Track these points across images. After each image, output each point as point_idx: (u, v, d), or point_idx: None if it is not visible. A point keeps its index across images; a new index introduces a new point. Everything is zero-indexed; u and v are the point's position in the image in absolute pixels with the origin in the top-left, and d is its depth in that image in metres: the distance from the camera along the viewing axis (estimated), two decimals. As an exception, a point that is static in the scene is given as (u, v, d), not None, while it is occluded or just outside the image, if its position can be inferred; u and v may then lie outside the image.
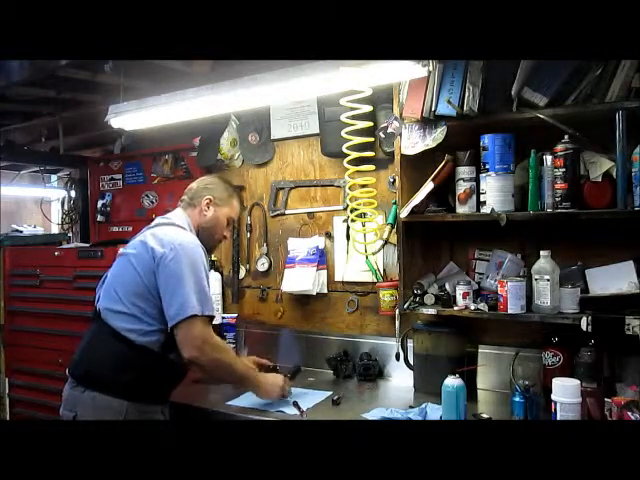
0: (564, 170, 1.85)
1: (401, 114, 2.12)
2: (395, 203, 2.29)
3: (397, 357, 2.33)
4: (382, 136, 2.26)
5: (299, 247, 2.74)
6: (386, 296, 2.36)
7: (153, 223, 2.07)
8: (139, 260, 1.89)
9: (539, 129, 1.91)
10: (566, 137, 1.86)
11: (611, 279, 1.92)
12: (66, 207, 4.07)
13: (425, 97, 2.01)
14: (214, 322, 2.04)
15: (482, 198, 2.01)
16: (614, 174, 1.79)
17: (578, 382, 1.68)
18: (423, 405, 1.95)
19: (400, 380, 2.37)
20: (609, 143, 1.77)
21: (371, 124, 2.23)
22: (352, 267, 2.61)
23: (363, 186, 2.35)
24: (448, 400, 1.80)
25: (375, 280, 2.50)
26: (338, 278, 2.67)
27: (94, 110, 3.00)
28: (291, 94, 2.11)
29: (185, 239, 1.93)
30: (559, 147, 1.86)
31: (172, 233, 1.94)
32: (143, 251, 1.89)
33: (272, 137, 2.84)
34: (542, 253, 1.92)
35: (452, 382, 1.81)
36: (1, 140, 3.65)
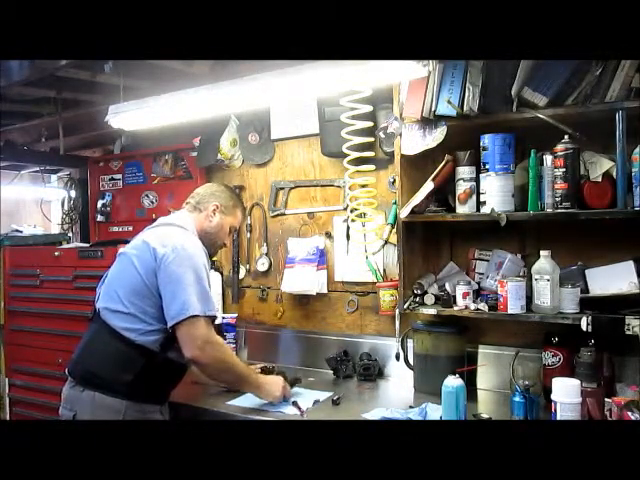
0: (564, 170, 1.85)
1: (401, 114, 2.11)
2: (395, 203, 2.29)
3: (397, 357, 2.32)
4: (382, 136, 2.26)
5: (299, 247, 2.73)
6: (386, 296, 2.36)
7: (155, 223, 2.08)
8: (140, 260, 1.90)
9: (539, 129, 1.91)
10: (566, 137, 1.86)
11: (611, 279, 1.92)
12: (66, 207, 4.08)
13: (425, 97, 2.00)
14: (215, 322, 2.04)
15: (482, 198, 2.01)
16: (614, 174, 1.79)
17: (578, 382, 1.68)
18: (423, 405, 1.94)
19: (400, 380, 2.37)
20: (609, 143, 1.77)
21: (371, 124, 2.23)
22: (352, 267, 2.61)
23: (363, 186, 2.35)
24: (448, 400, 1.80)
25: (375, 280, 2.50)
26: (338, 278, 2.67)
27: (94, 110, 3.00)
28: (291, 94, 2.11)
29: (187, 240, 1.94)
30: (559, 147, 1.86)
31: (174, 234, 1.95)
32: (145, 251, 1.90)
33: (272, 137, 2.83)
34: (542, 253, 1.92)
35: (452, 382, 1.81)
36: (1, 140, 3.65)
